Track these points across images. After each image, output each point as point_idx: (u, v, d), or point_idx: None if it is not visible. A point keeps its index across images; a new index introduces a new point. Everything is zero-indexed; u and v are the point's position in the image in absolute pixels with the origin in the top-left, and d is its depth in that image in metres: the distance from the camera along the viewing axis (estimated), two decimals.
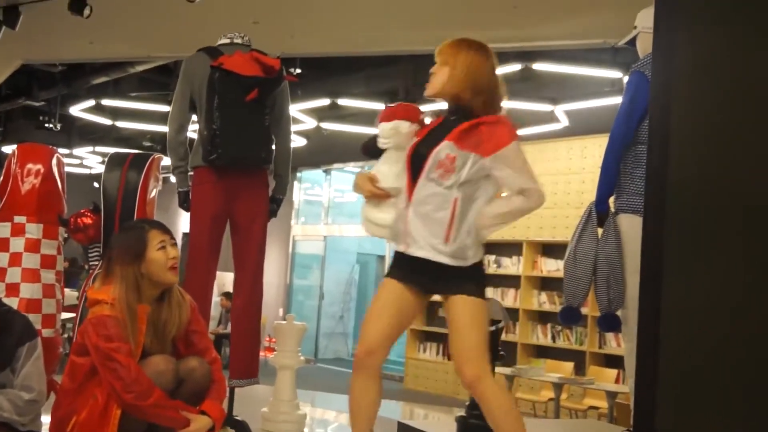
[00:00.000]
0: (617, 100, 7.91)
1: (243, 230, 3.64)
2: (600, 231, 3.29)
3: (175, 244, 2.69)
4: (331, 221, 13.97)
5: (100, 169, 14.73)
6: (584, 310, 3.40)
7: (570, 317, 3.38)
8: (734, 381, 2.39)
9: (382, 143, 2.78)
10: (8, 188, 3.77)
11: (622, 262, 3.18)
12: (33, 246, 3.74)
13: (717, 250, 2.45)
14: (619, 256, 3.19)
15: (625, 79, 7.14)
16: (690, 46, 2.63)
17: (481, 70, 2.70)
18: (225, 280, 9.84)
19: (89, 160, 14.17)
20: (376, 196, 2.71)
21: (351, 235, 14.08)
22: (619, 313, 3.26)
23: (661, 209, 2.53)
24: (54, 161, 3.88)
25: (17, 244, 3.73)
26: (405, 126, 2.75)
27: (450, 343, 2.72)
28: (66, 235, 4.03)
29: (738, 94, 2.56)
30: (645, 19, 3.26)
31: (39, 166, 3.79)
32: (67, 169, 13.13)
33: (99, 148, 13.15)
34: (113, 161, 3.86)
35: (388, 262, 12.92)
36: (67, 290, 6.62)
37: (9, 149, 13.73)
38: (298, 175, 13.76)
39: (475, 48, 2.73)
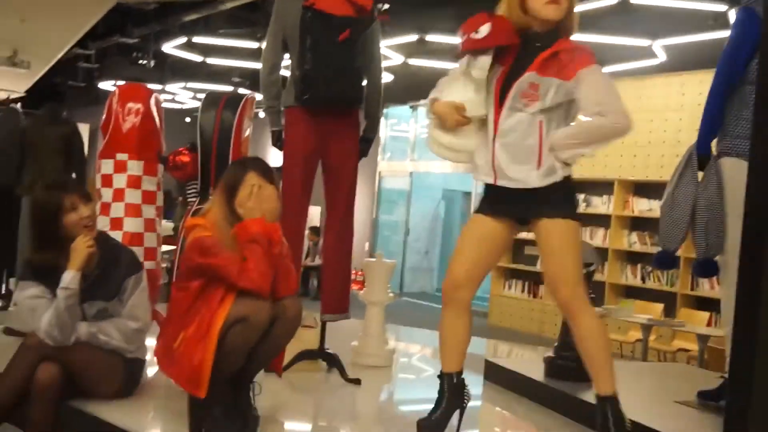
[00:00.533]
0: (720, 34, 7.56)
1: (335, 170, 3.69)
2: (701, 175, 3.17)
3: (273, 181, 2.76)
4: (417, 157, 13.95)
5: (193, 104, 15.14)
6: (678, 252, 3.29)
7: (665, 262, 3.30)
8: None
9: (477, 74, 2.66)
10: (110, 127, 3.91)
11: (723, 207, 3.07)
12: (135, 182, 3.88)
13: None
14: (721, 200, 3.08)
15: (731, 13, 6.79)
16: None
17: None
18: (313, 213, 10.04)
19: (181, 95, 14.49)
20: (462, 124, 2.68)
21: (437, 171, 14.05)
22: (717, 259, 3.16)
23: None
24: (152, 101, 3.99)
25: (120, 180, 3.88)
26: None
27: (543, 267, 2.72)
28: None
29: None
30: None
31: (139, 106, 3.91)
32: None
33: (191, 84, 13.42)
34: (209, 101, 3.94)
35: (474, 198, 12.86)
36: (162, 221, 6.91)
37: (105, 85, 14.18)
38: (385, 111, 13.72)
39: None
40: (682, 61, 8.50)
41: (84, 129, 17.65)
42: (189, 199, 3.94)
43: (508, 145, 2.61)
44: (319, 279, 8.56)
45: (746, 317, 2.45)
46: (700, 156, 3.16)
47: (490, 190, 2.71)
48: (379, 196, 14.29)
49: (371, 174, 13.86)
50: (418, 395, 3.97)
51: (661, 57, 8.55)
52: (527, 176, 2.60)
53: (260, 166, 2.78)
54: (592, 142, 2.62)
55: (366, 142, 3.80)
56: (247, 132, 3.94)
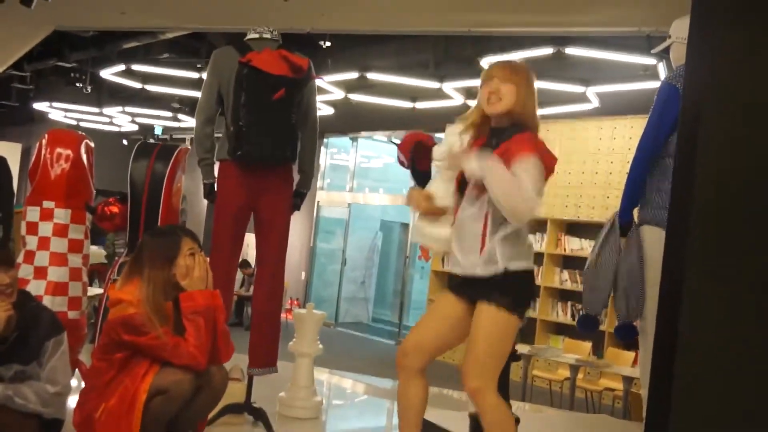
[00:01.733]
0: (649, 84, 7.88)
1: (266, 224, 3.68)
2: (623, 241, 3.28)
3: (201, 251, 2.76)
4: (356, 188, 14.00)
5: (130, 128, 14.89)
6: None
7: (588, 325, 3.39)
8: (751, 404, 2.40)
9: (436, 165, 2.88)
10: (38, 173, 3.83)
11: (643, 273, 3.18)
12: (61, 231, 3.81)
13: (740, 270, 2.44)
14: (641, 267, 3.19)
15: (660, 66, 7.05)
16: (725, 58, 2.59)
17: (535, 96, 2.78)
18: (247, 241, 9.95)
19: (119, 119, 14.27)
20: (432, 213, 2.80)
21: (375, 203, 14.10)
22: (637, 323, 3.26)
23: (685, 225, 2.52)
24: (83, 147, 3.92)
25: (46, 229, 3.80)
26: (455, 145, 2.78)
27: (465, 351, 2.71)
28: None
29: None
30: (680, 30, 3.20)
31: (69, 152, 3.84)
32: (97, 126, 13.24)
33: (129, 108, 13.24)
34: (140, 151, 3.90)
35: (411, 229, 12.95)
36: (93, 248, 6.75)
37: (40, 105, 13.87)
38: (325, 140, 13.76)
39: (531, 71, 2.80)
40: (614, 107, 8.78)
41: (16, 149, 17.29)
42: (117, 251, 3.88)
43: (460, 234, 2.70)
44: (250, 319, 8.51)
45: (660, 382, 2.52)
46: (623, 224, 3.27)
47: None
48: (317, 224, 14.27)
49: (310, 203, 13.84)
50: None
51: (594, 103, 8.83)
52: (472, 264, 2.65)
53: (189, 232, 2.78)
54: (494, 190, 2.57)
55: (299, 197, 3.81)
56: (179, 183, 3.92)
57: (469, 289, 2.70)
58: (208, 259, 2.79)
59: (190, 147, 4.06)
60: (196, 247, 2.74)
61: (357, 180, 14.05)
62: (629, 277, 3.20)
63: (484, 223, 2.64)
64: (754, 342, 2.40)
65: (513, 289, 2.63)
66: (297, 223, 13.65)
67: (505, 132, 2.69)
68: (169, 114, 13.14)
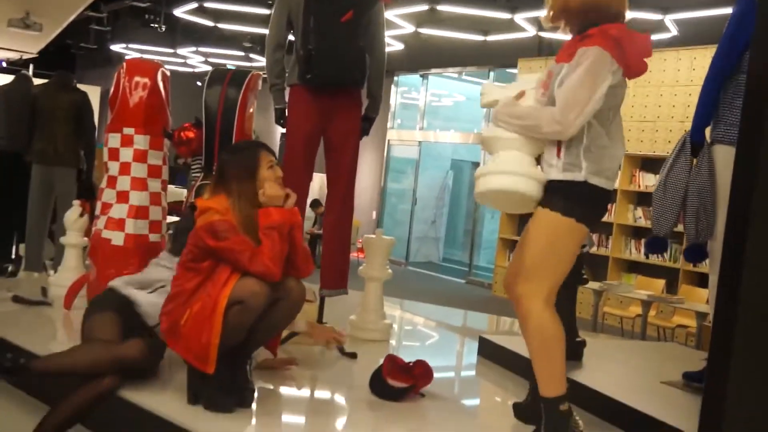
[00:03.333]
0: (730, 10, 7.53)
1: (336, 148, 3.76)
2: (694, 161, 3.23)
3: (280, 164, 2.86)
4: (426, 126, 13.97)
5: (204, 68, 15.13)
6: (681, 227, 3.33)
7: (656, 246, 3.37)
8: None
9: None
10: (117, 101, 3.98)
11: (715, 193, 3.12)
12: (141, 156, 3.96)
13: None
14: (712, 187, 3.13)
15: None
16: None
17: None
18: (320, 182, 10.09)
19: (192, 59, 14.52)
20: None
21: (446, 141, 14.05)
22: (707, 245, 3.23)
23: (756, 142, 2.47)
24: (159, 76, 4.04)
25: (126, 154, 3.96)
26: None
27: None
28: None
29: None
30: None
31: (146, 80, 3.97)
32: (171, 68, 13.51)
33: (202, 48, 13.46)
34: (213, 78, 3.99)
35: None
36: (172, 187, 6.97)
37: (116, 47, 14.22)
38: (395, 79, 13.71)
39: None
40: (693, 36, 8.48)
41: (95, 91, 17.78)
42: (193, 174, 4.04)
43: (548, 144, 2.58)
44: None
45: (726, 303, 2.51)
46: (694, 143, 3.20)
47: None
48: (388, 164, 14.33)
49: (380, 142, 13.89)
50: None
51: (673, 31, 8.54)
52: (550, 165, 2.56)
53: (267, 146, 2.88)
54: (523, 129, 2.55)
55: (368, 121, 3.87)
56: (252, 108, 4.01)
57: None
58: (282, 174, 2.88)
59: (261, 73, 4.14)
60: (274, 161, 2.84)
61: (427, 119, 14.00)
62: (700, 197, 3.14)
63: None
64: None
65: (574, 196, 2.50)
66: (367, 163, 13.72)
67: (581, 27, 2.56)
68: (241, 53, 13.30)
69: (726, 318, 2.52)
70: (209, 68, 15.02)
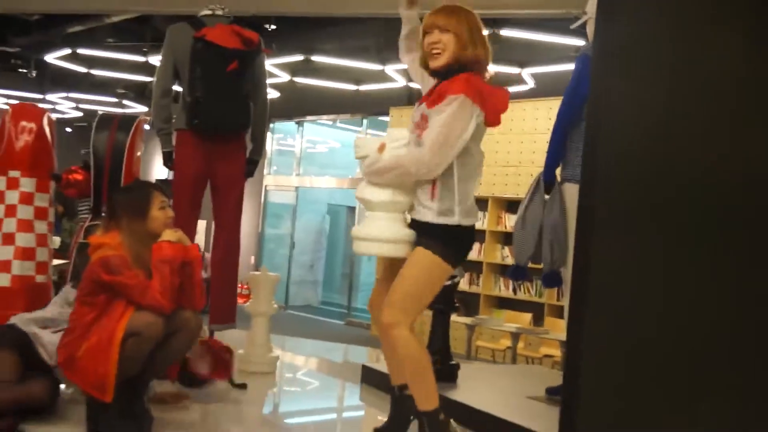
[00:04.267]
0: None
1: (222, 190, 3.96)
2: (547, 197, 3.64)
3: (171, 206, 3.03)
4: (302, 172, 14.23)
5: (74, 114, 14.79)
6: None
7: (518, 274, 3.75)
8: (653, 334, 2.76)
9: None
10: (3, 145, 4.02)
11: (566, 226, 3.54)
12: (27, 198, 4.00)
13: (643, 219, 2.78)
14: (563, 221, 3.54)
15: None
16: (630, 32, 2.93)
17: (481, 34, 2.74)
18: (198, 228, 10.13)
19: (62, 105, 14.21)
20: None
21: (322, 186, 14.37)
22: (561, 271, 3.63)
23: (594, 180, 2.87)
24: (45, 120, 4.12)
25: (12, 197, 4.00)
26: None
27: None
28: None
29: (671, 78, 2.87)
30: (593, 6, 3.56)
31: (32, 125, 4.04)
32: None
33: (72, 94, 13.21)
34: (102, 122, 4.12)
35: (357, 213, 13.26)
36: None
37: None
38: (272, 126, 13.93)
39: (470, 12, 2.76)
40: (548, 88, 9.21)
41: None
42: (81, 216, 4.11)
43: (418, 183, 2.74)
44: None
45: (576, 322, 2.86)
46: (546, 182, 3.63)
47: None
48: (265, 209, 14.46)
49: (257, 188, 14.03)
50: (301, 401, 4.27)
51: (530, 83, 9.26)
52: (424, 206, 2.71)
53: (159, 188, 3.05)
54: (394, 179, 2.72)
55: (252, 164, 4.09)
56: (139, 152, 4.15)
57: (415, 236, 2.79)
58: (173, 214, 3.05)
59: (147, 118, 4.30)
60: (166, 201, 3.00)
61: (303, 165, 14.28)
62: (553, 230, 3.55)
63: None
64: (652, 284, 2.76)
65: (449, 239, 2.69)
66: (245, 209, 13.64)
67: (447, 73, 2.70)
68: (114, 100, 13.17)
69: (576, 333, 2.87)
70: (80, 114, 14.83)
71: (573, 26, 3.81)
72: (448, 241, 2.71)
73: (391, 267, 2.85)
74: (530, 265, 3.68)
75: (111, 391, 2.76)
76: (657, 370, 2.74)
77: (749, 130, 2.76)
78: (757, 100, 2.81)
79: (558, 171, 3.66)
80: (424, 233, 2.73)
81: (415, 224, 2.80)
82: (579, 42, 7.72)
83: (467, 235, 2.79)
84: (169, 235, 2.93)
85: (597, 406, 2.81)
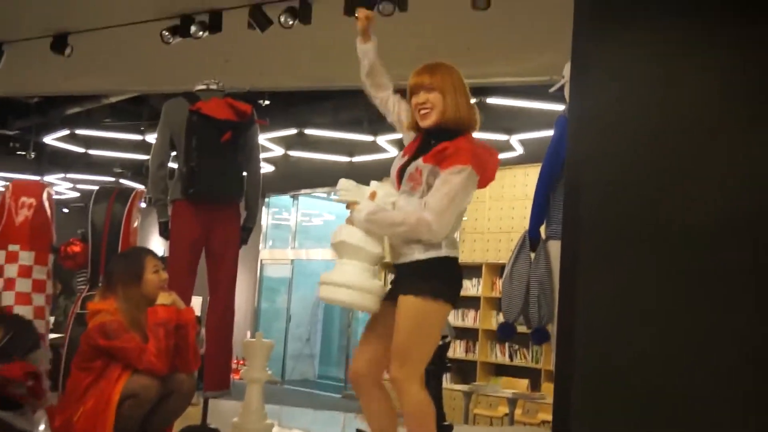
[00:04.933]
0: None
1: (217, 256, 4.06)
2: (533, 255, 3.75)
3: (165, 269, 3.12)
4: (298, 245, 14.32)
5: (71, 195, 14.96)
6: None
7: (506, 332, 3.82)
8: (643, 383, 2.81)
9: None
10: (3, 220, 4.14)
11: (552, 282, 3.63)
12: (26, 272, 4.11)
13: (627, 271, 2.87)
14: (549, 277, 3.64)
15: None
16: (602, 89, 3.07)
17: (464, 88, 2.80)
18: (194, 303, 10.14)
19: (60, 186, 14.38)
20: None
21: (318, 259, 14.44)
22: (549, 328, 3.70)
23: (576, 237, 2.98)
24: (45, 195, 4.26)
25: (11, 270, 4.10)
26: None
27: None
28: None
29: (649, 137, 3.00)
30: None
31: (32, 200, 4.17)
32: None
33: (70, 175, 13.39)
34: (100, 194, 4.25)
35: None
36: None
37: None
38: (267, 200, 14.10)
39: (452, 67, 2.82)
40: (537, 154, 9.38)
41: None
42: (79, 287, 4.20)
43: None
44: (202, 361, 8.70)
45: (563, 377, 2.92)
46: (532, 239, 3.74)
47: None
48: (261, 284, 14.48)
49: (253, 262, 14.09)
50: None
51: (519, 150, 9.46)
52: (408, 251, 2.70)
53: (152, 252, 3.15)
54: (397, 235, 2.71)
55: (246, 231, 4.20)
56: (136, 223, 4.27)
57: (395, 287, 2.77)
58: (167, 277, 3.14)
59: (144, 189, 4.42)
60: (159, 265, 3.10)
61: (299, 238, 14.38)
62: (540, 286, 3.64)
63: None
64: (638, 335, 2.83)
65: (436, 275, 2.68)
66: (240, 283, 13.76)
67: (442, 134, 2.72)
68: (111, 179, 13.36)
69: (563, 387, 2.92)
70: (77, 194, 14.99)
71: (551, 90, 3.99)
72: (440, 276, 2.70)
73: (373, 328, 2.82)
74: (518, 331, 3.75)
75: None
76: (648, 409, 2.79)
77: (726, 174, 2.88)
78: (733, 141, 2.93)
79: (542, 229, 3.77)
80: (413, 275, 2.70)
81: (401, 270, 2.76)
82: (564, 107, 7.95)
83: (457, 267, 2.79)
84: (164, 298, 3.02)
85: None
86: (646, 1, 2.74)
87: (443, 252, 2.71)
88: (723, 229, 2.81)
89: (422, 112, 2.74)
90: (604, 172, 2.96)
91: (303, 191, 13.86)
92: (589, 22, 2.95)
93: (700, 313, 2.77)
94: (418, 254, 2.70)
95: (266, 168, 11.34)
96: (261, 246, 14.27)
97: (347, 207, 2.77)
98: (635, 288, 2.84)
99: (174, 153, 4.10)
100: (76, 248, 4.26)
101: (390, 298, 2.76)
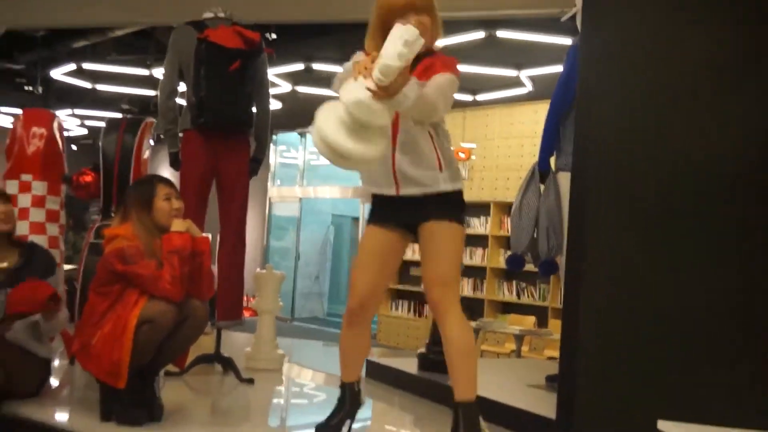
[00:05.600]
0: None
1: (228, 187, 4.07)
2: (542, 187, 3.74)
3: (179, 197, 3.13)
4: (306, 183, 14.34)
5: (79, 131, 14.92)
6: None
7: (515, 263, 3.85)
8: (647, 320, 2.84)
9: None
10: (15, 149, 4.15)
11: (561, 214, 3.63)
12: (39, 202, 4.13)
13: (632, 209, 2.88)
14: (559, 209, 3.64)
15: None
16: (613, 27, 3.04)
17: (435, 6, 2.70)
18: None
19: (68, 122, 14.35)
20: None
21: (326, 197, 14.46)
22: (558, 260, 3.72)
23: (586, 169, 2.98)
24: (55, 125, 4.26)
25: (24, 200, 4.12)
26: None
27: (422, 268, 2.67)
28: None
29: (658, 69, 2.98)
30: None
31: (42, 130, 4.17)
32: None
33: (78, 111, 13.36)
34: (110, 125, 4.26)
35: (362, 223, 13.34)
36: None
37: None
38: (274, 137, 14.04)
39: None
40: (547, 90, 9.27)
41: None
42: (92, 217, 4.23)
43: (408, 154, 2.62)
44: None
45: (570, 308, 2.96)
46: (541, 171, 3.73)
47: (382, 201, 2.72)
48: (270, 222, 14.54)
49: (261, 200, 14.13)
50: (310, 393, 4.36)
51: (528, 86, 9.36)
52: (433, 181, 2.63)
53: (165, 180, 3.15)
54: (423, 108, 2.49)
55: (256, 162, 4.20)
56: (147, 153, 4.27)
57: (406, 213, 2.68)
58: (182, 205, 3.16)
59: (154, 120, 4.41)
60: (172, 192, 3.11)
61: (307, 176, 14.38)
62: (549, 218, 3.64)
63: (433, 144, 2.64)
64: (644, 270, 2.85)
65: (459, 204, 2.71)
66: (249, 222, 13.82)
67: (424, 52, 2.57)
68: (119, 115, 13.32)
69: (571, 319, 2.96)
70: (85, 131, 14.98)
71: (563, 19, 3.93)
72: (462, 207, 2.73)
73: (371, 260, 2.74)
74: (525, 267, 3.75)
75: (125, 377, 2.86)
76: (652, 355, 2.83)
77: (729, 122, 2.87)
78: (737, 91, 2.91)
79: (552, 160, 3.75)
80: (442, 204, 2.66)
81: (425, 200, 2.65)
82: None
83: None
84: (178, 225, 3.04)
85: (593, 388, 2.90)
86: None
87: (460, 184, 2.73)
88: (716, 172, 2.82)
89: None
90: (614, 105, 2.96)
91: (311, 128, 13.74)
92: None
93: (698, 250, 2.80)
94: (445, 186, 2.66)
95: (274, 104, 11.20)
96: (269, 184, 14.29)
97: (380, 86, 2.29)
98: (641, 221, 2.87)
99: (183, 83, 4.08)
100: (88, 178, 4.28)
101: (392, 228, 2.72)
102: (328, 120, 2.41)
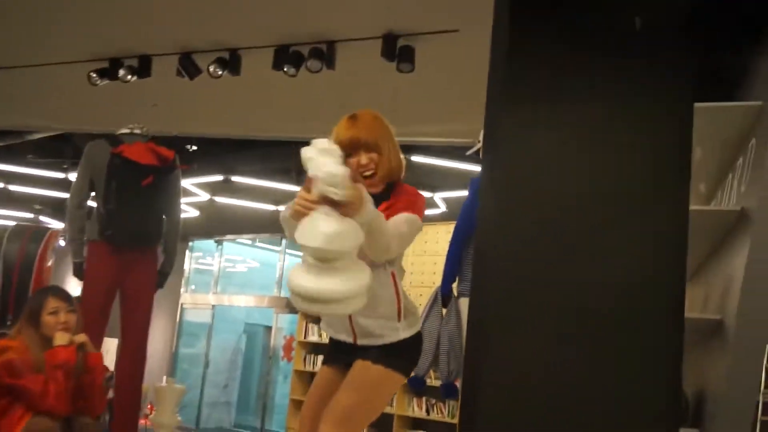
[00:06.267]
0: None
1: (131, 297, 4.05)
2: (444, 311, 3.86)
3: (71, 310, 3.10)
4: (220, 290, 14.16)
5: None
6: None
7: (416, 384, 3.90)
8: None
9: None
10: None
11: (461, 338, 3.74)
12: None
13: (529, 331, 2.99)
14: (459, 333, 3.75)
15: None
16: (512, 160, 3.23)
17: (392, 135, 2.63)
18: (110, 346, 9.93)
19: None
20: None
21: (240, 305, 14.28)
22: (457, 382, 3.80)
23: (483, 297, 3.10)
24: None
25: None
26: None
27: None
28: None
29: (555, 199, 3.16)
30: None
31: None
32: None
33: None
34: (15, 232, 4.21)
35: (275, 332, 13.18)
36: None
37: None
38: (190, 244, 13.94)
39: (379, 116, 2.63)
40: (458, 212, 9.63)
41: None
42: None
43: (372, 297, 2.30)
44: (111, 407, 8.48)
45: (468, 429, 3.01)
46: (443, 295, 3.86)
47: (338, 345, 2.58)
48: (180, 328, 14.22)
49: (173, 306, 13.85)
50: None
51: (442, 207, 9.69)
52: (392, 331, 2.48)
53: (59, 292, 3.13)
54: (380, 239, 2.31)
55: (163, 276, 4.20)
56: (50, 262, 4.22)
57: (353, 354, 2.51)
58: (73, 317, 3.13)
59: (60, 230, 4.38)
60: (61, 305, 3.09)
61: (221, 284, 14.23)
62: (449, 342, 3.75)
63: (393, 285, 2.50)
64: (539, 390, 2.95)
65: (411, 353, 2.55)
66: (158, 328, 13.56)
67: (385, 191, 2.55)
68: (30, 215, 13.03)
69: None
70: None
71: (468, 153, 4.16)
72: (413, 352, 2.55)
73: (321, 395, 2.54)
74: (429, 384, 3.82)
75: None
76: None
77: (625, 250, 3.05)
78: (626, 217, 3.11)
79: (455, 286, 3.89)
80: (389, 353, 2.48)
81: (377, 349, 2.48)
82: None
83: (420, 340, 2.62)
84: (60, 339, 3.01)
85: None
86: (552, 83, 2.94)
87: (416, 328, 2.55)
88: (610, 298, 2.99)
89: (366, 173, 2.51)
90: (510, 237, 3.11)
91: (228, 237, 13.77)
92: (499, 96, 3.14)
93: (593, 369, 2.92)
94: (403, 333, 2.50)
95: (191, 212, 11.26)
96: (182, 290, 14.06)
97: (339, 201, 2.11)
98: (536, 347, 2.98)
99: (93, 194, 4.09)
100: None
101: (336, 364, 2.58)
102: (293, 272, 2.18)
